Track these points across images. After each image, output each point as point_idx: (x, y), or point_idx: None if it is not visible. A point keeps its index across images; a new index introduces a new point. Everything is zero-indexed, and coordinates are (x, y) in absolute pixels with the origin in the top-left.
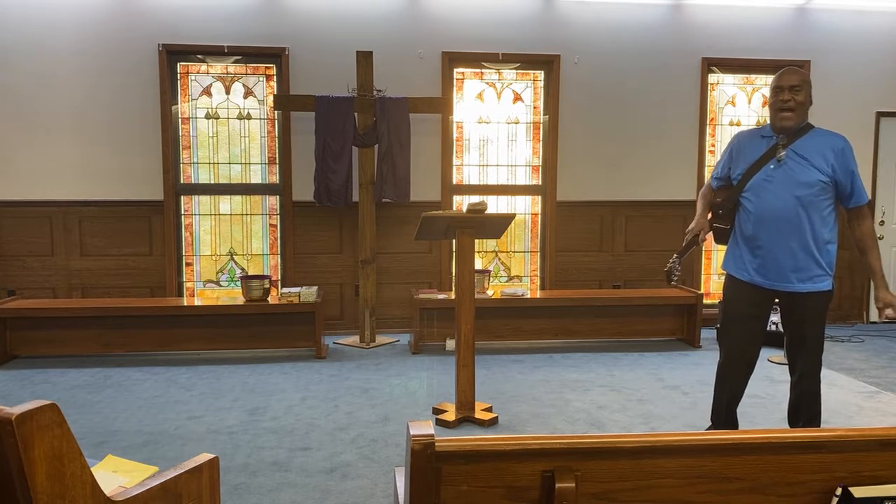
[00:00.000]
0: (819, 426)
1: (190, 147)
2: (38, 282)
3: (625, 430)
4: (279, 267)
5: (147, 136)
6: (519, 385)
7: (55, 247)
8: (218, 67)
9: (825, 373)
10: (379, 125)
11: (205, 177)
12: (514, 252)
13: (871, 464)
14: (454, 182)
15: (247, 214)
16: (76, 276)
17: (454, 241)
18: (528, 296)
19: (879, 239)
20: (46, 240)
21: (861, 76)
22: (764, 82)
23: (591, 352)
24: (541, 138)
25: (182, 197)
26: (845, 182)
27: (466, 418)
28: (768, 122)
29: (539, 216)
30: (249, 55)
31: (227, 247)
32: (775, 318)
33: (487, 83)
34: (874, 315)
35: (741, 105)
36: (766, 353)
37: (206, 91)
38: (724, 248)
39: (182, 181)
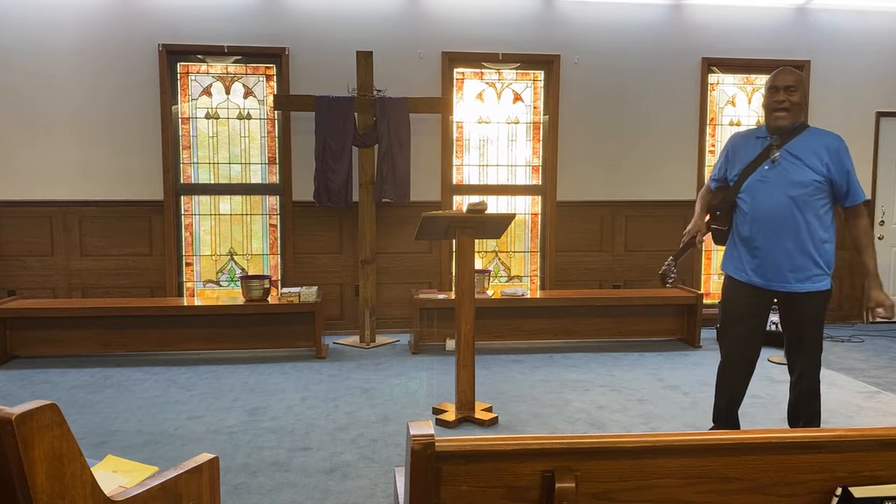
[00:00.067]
0: (819, 426)
1: (190, 147)
2: (38, 282)
3: (625, 430)
4: (279, 267)
5: (147, 136)
6: (519, 385)
7: (55, 247)
8: (218, 67)
9: (825, 373)
10: (379, 125)
11: (205, 177)
12: (514, 252)
13: (871, 464)
14: (454, 182)
15: (247, 214)
16: (76, 276)
17: (454, 241)
18: (528, 296)
19: (879, 239)
20: (46, 240)
21: (861, 76)
22: (764, 82)
23: (591, 352)
24: (541, 138)
25: (182, 197)
26: (841, 181)
27: (466, 418)
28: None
29: (539, 216)
30: (249, 55)
31: (227, 247)
32: (775, 318)
33: (487, 83)
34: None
35: (741, 105)
36: (766, 353)
37: (206, 91)
38: (723, 248)
39: (182, 181)
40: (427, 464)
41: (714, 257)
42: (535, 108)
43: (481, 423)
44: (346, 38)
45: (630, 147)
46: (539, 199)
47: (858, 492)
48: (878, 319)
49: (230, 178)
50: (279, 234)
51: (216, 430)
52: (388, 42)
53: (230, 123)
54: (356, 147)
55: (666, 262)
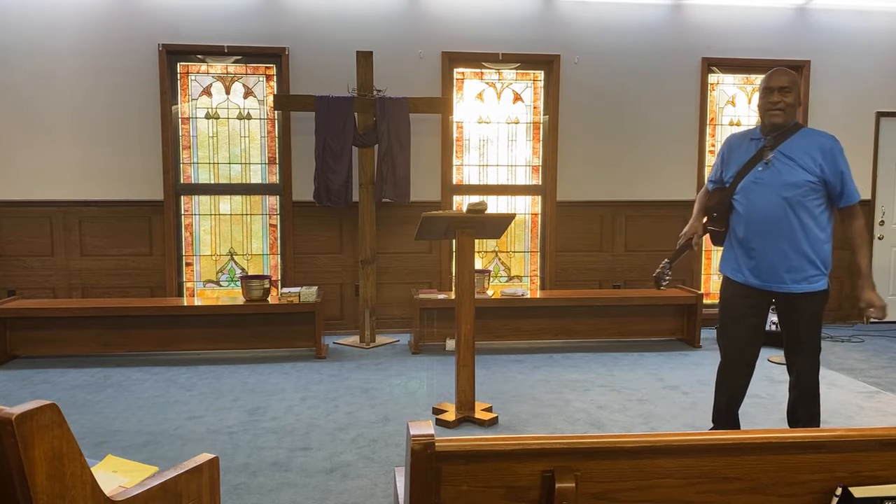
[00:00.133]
0: (819, 426)
1: (190, 147)
2: (38, 282)
3: (625, 430)
4: (279, 267)
5: (147, 136)
6: (519, 385)
7: (55, 247)
8: (218, 67)
9: (825, 373)
10: (379, 125)
11: (205, 177)
12: (514, 252)
13: (871, 464)
14: (454, 182)
15: (247, 214)
16: (76, 276)
17: (454, 241)
18: (528, 296)
19: (879, 239)
20: (46, 240)
21: (861, 76)
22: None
23: (591, 352)
24: (541, 138)
25: (182, 197)
26: (835, 181)
27: (466, 418)
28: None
29: (539, 216)
30: (249, 55)
31: (227, 247)
32: (775, 318)
33: (487, 83)
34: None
35: (741, 105)
36: (766, 353)
37: (206, 91)
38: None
39: (182, 181)
40: (427, 464)
41: (714, 257)
42: (535, 108)
43: (481, 423)
44: (346, 38)
45: (630, 147)
46: (539, 199)
47: (858, 492)
48: (872, 320)
49: (230, 178)
50: (279, 234)
51: (216, 430)
52: (388, 42)
53: (230, 123)
54: (356, 147)
55: (661, 265)
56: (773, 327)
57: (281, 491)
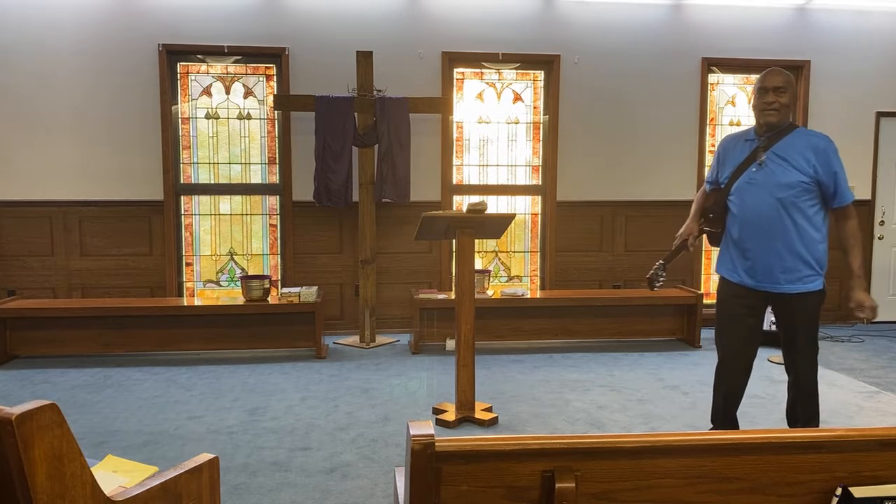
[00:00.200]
0: (818, 425)
1: (190, 147)
2: (38, 282)
3: (625, 430)
4: (279, 267)
5: (147, 136)
6: (519, 385)
7: (55, 247)
8: (218, 67)
9: (825, 373)
10: (379, 125)
11: (205, 177)
12: (514, 252)
13: (871, 464)
14: (454, 182)
15: (247, 214)
16: (76, 276)
17: (454, 241)
18: (528, 296)
19: (879, 239)
20: (46, 240)
21: (861, 76)
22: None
23: (591, 352)
24: (541, 138)
25: (182, 197)
26: (828, 182)
27: (466, 418)
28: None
29: (539, 216)
30: (249, 55)
31: (227, 247)
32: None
33: (487, 83)
34: (882, 315)
35: (741, 105)
36: (765, 353)
37: (206, 91)
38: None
39: (182, 181)
40: (427, 464)
41: (713, 257)
42: (535, 108)
43: (481, 423)
44: (346, 38)
45: (630, 147)
46: (539, 199)
47: (858, 492)
48: (867, 321)
49: (230, 178)
50: (279, 234)
51: (216, 430)
52: (388, 42)
53: (230, 123)
54: (356, 147)
55: (655, 266)
56: (773, 327)
57: (281, 491)
